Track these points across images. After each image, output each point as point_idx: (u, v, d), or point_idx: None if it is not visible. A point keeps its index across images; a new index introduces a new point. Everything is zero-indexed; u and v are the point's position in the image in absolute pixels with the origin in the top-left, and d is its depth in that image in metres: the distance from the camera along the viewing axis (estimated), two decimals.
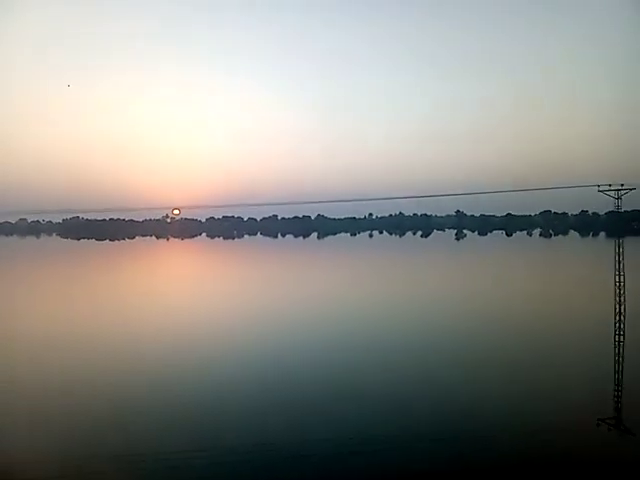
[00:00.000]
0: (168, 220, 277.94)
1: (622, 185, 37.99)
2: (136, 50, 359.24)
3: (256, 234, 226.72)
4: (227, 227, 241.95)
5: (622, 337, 30.41)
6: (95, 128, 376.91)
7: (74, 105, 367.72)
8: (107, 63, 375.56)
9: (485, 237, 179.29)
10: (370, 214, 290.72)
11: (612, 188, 38.20)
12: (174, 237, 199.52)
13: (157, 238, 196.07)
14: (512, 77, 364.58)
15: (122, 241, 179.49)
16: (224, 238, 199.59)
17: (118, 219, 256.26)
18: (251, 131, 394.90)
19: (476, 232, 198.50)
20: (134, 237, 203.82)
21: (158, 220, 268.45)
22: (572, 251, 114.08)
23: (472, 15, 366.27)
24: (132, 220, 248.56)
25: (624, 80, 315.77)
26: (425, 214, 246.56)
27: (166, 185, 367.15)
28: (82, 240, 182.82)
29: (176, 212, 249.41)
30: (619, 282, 34.80)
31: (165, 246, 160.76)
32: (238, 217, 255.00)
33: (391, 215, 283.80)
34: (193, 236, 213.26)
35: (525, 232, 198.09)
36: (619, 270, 35.56)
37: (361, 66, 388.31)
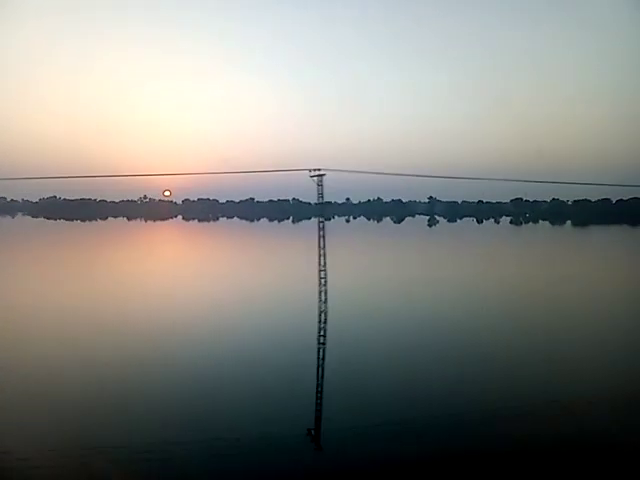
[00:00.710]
0: (146, 200, 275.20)
1: None
2: (124, 31, 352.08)
3: (233, 217, 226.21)
4: (203, 210, 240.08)
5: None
6: (80, 107, 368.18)
7: (58, 84, 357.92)
8: (94, 42, 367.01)
9: (456, 224, 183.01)
10: (347, 199, 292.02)
11: None
12: (149, 219, 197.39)
13: (129, 220, 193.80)
14: (494, 67, 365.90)
15: (93, 222, 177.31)
16: (199, 220, 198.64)
17: (90, 199, 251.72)
18: (235, 115, 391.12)
19: (448, 219, 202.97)
20: (107, 218, 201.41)
21: (134, 202, 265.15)
22: (537, 238, 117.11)
23: (470, 12, 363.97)
24: (104, 200, 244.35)
25: (608, 71, 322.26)
26: (400, 200, 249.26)
27: (145, 166, 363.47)
28: (54, 220, 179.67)
29: (167, 194, 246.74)
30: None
31: (135, 228, 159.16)
32: (214, 199, 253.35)
33: (369, 200, 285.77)
34: (168, 218, 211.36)
35: (495, 219, 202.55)
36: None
37: (342, 51, 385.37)
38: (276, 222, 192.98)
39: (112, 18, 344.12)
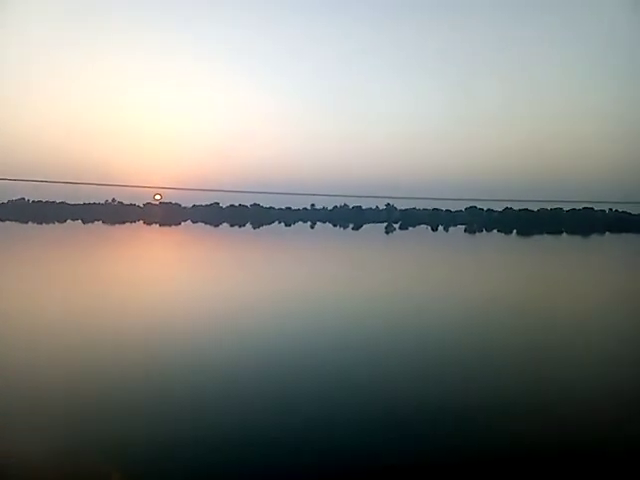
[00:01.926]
0: (114, 202, 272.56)
1: None
2: (123, 33, 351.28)
3: (197, 222, 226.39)
4: (166, 213, 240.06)
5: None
6: (72, 108, 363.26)
7: (41, 84, 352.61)
8: (93, 45, 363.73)
9: (412, 230, 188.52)
10: (312, 204, 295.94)
11: None
12: (107, 223, 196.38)
13: (84, 223, 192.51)
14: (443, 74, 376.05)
15: (53, 225, 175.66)
16: (160, 225, 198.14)
17: (54, 202, 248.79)
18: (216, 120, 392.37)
19: (405, 226, 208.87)
20: (65, 221, 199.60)
21: (100, 204, 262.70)
22: (487, 247, 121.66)
23: (470, 15, 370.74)
24: (64, 202, 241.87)
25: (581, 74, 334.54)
26: (359, 206, 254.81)
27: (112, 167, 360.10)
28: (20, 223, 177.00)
29: (157, 197, 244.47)
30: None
31: (90, 231, 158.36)
32: (176, 203, 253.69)
33: (336, 207, 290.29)
34: (129, 222, 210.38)
35: (454, 227, 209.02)
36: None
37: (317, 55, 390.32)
38: (237, 227, 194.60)
39: (108, 24, 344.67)
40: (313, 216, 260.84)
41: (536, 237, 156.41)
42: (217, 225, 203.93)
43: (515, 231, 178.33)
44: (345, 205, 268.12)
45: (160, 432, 16.09)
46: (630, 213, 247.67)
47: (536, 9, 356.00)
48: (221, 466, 14.06)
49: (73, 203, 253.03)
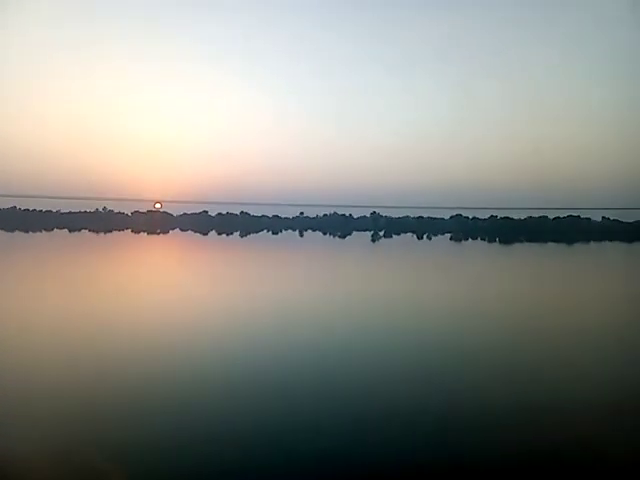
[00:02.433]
0: (102, 211, 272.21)
1: None
2: (120, 41, 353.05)
3: (186, 230, 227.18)
4: (154, 221, 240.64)
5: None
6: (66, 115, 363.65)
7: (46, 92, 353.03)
8: (90, 53, 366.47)
9: (398, 238, 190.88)
10: (301, 212, 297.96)
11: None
12: (93, 231, 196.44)
13: (70, 231, 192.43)
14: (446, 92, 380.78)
15: (38, 233, 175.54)
16: (148, 233, 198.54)
17: (40, 210, 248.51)
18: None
19: (391, 234, 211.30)
20: (52, 229, 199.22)
21: (88, 212, 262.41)
22: (471, 255, 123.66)
23: (469, 16, 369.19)
24: (50, 211, 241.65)
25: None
26: (344, 214, 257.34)
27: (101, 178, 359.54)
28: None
29: (157, 206, 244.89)
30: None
31: (76, 240, 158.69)
32: (164, 211, 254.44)
33: (326, 215, 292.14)
34: (117, 230, 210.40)
35: (440, 235, 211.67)
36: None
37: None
38: (224, 235, 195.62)
39: (104, 33, 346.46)
40: (301, 224, 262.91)
41: (519, 245, 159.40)
42: (206, 233, 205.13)
43: (498, 239, 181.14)
44: (334, 213, 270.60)
45: (158, 434, 16.47)
46: (619, 220, 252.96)
47: (536, 11, 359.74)
48: (219, 468, 14.43)
49: (60, 211, 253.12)
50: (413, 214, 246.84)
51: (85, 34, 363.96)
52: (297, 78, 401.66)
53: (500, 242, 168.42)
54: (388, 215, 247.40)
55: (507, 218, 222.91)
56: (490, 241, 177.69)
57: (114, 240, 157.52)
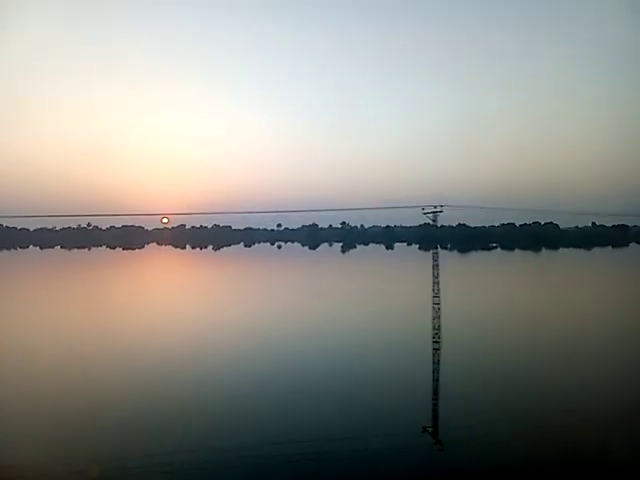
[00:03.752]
0: (77, 228, 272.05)
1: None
2: (120, 56, 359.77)
3: (163, 245, 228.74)
4: (127, 236, 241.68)
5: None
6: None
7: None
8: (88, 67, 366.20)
9: (367, 248, 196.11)
10: (279, 225, 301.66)
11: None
12: (66, 248, 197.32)
13: (41, 249, 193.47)
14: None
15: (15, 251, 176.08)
16: (123, 249, 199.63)
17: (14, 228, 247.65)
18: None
19: (361, 243, 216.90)
20: (27, 246, 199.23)
21: (61, 230, 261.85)
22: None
23: (467, 17, 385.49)
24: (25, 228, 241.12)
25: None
26: (315, 224, 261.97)
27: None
28: None
29: (165, 220, 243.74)
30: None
31: (52, 257, 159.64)
32: (139, 226, 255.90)
33: (304, 226, 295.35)
34: (92, 246, 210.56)
35: (405, 243, 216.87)
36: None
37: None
38: (198, 249, 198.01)
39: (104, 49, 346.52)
40: (274, 236, 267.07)
41: (495, 252, 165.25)
42: (183, 247, 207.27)
43: (460, 248, 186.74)
44: (303, 227, 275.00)
45: (154, 444, 17.37)
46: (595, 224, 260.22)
47: (536, 14, 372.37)
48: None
49: (33, 229, 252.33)
50: (381, 223, 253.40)
51: (85, 46, 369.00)
52: (285, 92, 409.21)
53: (459, 251, 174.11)
54: (356, 224, 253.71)
55: (464, 225, 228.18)
56: (462, 251, 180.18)
57: (85, 257, 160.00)
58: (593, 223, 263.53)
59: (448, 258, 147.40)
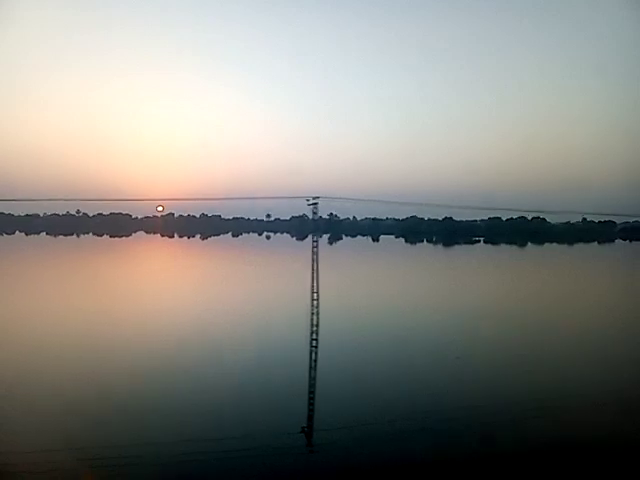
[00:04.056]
0: (64, 214, 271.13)
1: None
2: (121, 45, 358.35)
3: (153, 233, 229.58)
4: (114, 223, 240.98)
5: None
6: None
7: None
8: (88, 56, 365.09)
9: (353, 240, 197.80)
10: (268, 215, 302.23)
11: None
12: (51, 234, 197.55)
13: (27, 235, 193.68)
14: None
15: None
16: (110, 236, 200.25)
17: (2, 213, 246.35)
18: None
19: (347, 235, 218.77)
20: (14, 232, 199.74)
21: (46, 216, 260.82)
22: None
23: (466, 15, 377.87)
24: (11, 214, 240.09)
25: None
26: (305, 215, 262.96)
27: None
28: None
29: (160, 208, 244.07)
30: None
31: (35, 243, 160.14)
32: (127, 214, 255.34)
33: (293, 217, 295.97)
34: (79, 233, 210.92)
35: (396, 238, 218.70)
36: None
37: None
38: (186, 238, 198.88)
39: (105, 37, 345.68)
40: (262, 227, 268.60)
41: (462, 246, 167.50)
42: (172, 236, 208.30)
43: (444, 242, 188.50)
44: (292, 218, 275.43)
45: (152, 435, 17.23)
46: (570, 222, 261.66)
47: (533, 11, 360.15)
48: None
49: (18, 215, 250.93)
50: (368, 215, 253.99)
51: (85, 36, 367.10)
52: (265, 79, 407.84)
53: (443, 245, 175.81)
54: (344, 217, 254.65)
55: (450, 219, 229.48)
56: (446, 244, 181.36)
57: (71, 244, 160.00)
58: (584, 219, 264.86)
59: (425, 251, 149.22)
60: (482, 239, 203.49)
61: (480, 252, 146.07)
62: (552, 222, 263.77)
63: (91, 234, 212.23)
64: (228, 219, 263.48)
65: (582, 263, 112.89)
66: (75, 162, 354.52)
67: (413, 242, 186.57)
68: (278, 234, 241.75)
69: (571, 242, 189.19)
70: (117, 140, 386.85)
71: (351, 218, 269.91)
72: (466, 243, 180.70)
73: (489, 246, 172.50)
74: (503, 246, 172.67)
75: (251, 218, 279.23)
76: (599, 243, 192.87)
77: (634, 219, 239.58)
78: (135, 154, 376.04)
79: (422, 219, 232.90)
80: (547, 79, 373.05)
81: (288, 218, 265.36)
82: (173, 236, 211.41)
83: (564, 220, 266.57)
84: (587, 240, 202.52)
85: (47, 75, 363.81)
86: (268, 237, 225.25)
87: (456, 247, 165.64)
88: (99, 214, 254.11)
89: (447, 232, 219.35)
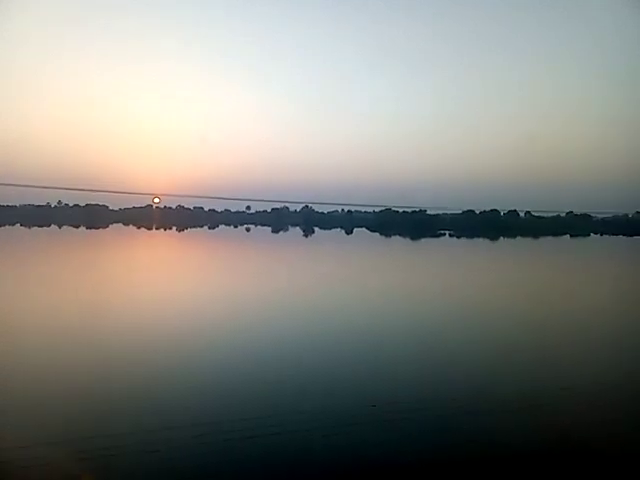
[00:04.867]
0: (38, 205, 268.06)
1: None
2: (118, 41, 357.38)
3: (128, 225, 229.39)
4: (93, 215, 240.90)
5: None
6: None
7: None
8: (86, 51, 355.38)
9: (328, 233, 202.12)
10: (248, 207, 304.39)
11: None
12: (25, 225, 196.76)
13: (0, 226, 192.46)
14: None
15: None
16: (87, 227, 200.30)
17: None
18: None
19: (322, 228, 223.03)
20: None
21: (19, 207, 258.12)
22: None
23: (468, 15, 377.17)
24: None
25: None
26: (278, 209, 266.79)
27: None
28: None
29: (157, 200, 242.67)
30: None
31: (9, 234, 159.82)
32: (103, 205, 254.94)
33: (274, 209, 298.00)
34: (42, 225, 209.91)
35: (370, 231, 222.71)
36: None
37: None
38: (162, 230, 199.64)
39: (103, 31, 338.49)
40: (239, 219, 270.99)
41: (432, 239, 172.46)
42: (150, 228, 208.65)
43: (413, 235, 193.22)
44: (273, 210, 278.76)
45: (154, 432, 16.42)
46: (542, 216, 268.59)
47: (533, 9, 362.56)
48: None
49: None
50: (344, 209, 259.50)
51: (81, 31, 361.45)
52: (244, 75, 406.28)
53: (412, 238, 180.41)
54: (320, 210, 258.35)
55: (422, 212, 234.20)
56: (414, 237, 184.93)
57: (45, 236, 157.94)
58: (559, 214, 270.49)
59: (389, 244, 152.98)
60: (448, 233, 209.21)
61: (448, 245, 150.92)
62: (524, 216, 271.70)
63: (67, 226, 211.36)
64: (206, 211, 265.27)
65: (552, 257, 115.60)
66: (54, 152, 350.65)
67: (388, 235, 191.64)
68: (259, 226, 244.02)
69: (540, 235, 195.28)
70: (98, 131, 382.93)
71: (325, 212, 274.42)
72: (435, 236, 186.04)
73: (461, 240, 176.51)
74: (475, 240, 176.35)
75: (232, 210, 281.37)
76: (571, 237, 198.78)
77: (612, 213, 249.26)
78: (115, 146, 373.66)
79: (396, 212, 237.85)
80: (524, 77, 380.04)
81: (269, 210, 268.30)
82: (151, 228, 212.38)
83: (538, 214, 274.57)
84: (559, 234, 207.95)
85: (32, 64, 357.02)
86: (248, 229, 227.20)
87: (425, 241, 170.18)
88: (75, 205, 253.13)
89: (418, 225, 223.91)
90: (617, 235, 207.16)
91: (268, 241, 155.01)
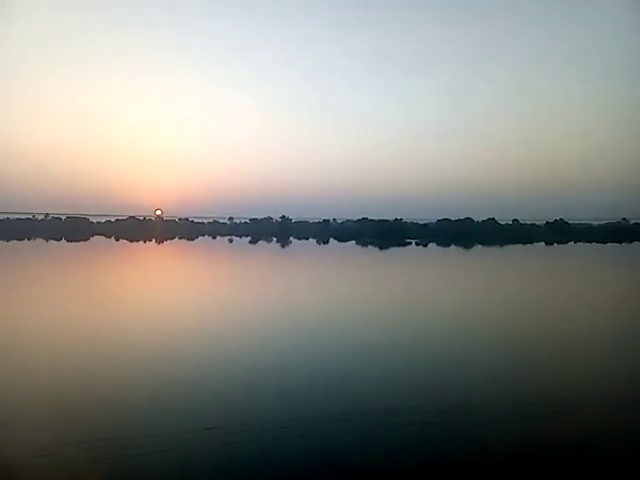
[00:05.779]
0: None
1: None
2: (113, 52, 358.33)
3: (111, 237, 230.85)
4: (73, 228, 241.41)
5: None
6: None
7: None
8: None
9: (304, 243, 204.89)
10: (230, 218, 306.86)
11: None
12: (3, 239, 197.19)
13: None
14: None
15: None
16: (67, 240, 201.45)
17: None
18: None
19: (299, 237, 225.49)
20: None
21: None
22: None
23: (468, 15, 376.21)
24: None
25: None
26: (256, 219, 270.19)
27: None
28: None
29: (158, 212, 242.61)
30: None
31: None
32: (84, 217, 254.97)
33: (254, 220, 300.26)
34: (25, 238, 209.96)
35: (344, 242, 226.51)
36: None
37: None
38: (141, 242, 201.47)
39: (103, 40, 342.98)
40: (217, 230, 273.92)
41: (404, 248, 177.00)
42: (131, 240, 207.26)
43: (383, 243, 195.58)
44: (243, 222, 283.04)
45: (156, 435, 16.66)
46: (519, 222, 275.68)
47: (533, 13, 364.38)
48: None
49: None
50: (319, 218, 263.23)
51: (80, 36, 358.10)
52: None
53: (379, 247, 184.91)
54: (297, 220, 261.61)
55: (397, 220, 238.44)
56: (383, 245, 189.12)
57: (25, 249, 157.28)
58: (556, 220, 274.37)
59: (364, 253, 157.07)
60: (415, 241, 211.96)
61: (417, 254, 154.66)
62: (502, 224, 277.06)
63: (46, 239, 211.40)
64: (185, 221, 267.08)
65: (518, 263, 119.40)
66: (42, 163, 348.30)
67: (364, 244, 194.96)
68: (243, 237, 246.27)
69: (521, 243, 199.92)
70: (84, 141, 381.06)
71: (302, 221, 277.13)
72: (398, 245, 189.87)
73: (422, 248, 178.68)
74: (452, 247, 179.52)
75: (212, 221, 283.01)
76: (546, 244, 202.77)
77: (593, 220, 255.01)
78: (101, 158, 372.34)
79: (373, 221, 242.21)
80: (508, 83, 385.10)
81: (248, 221, 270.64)
82: (133, 240, 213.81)
83: (514, 222, 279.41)
84: (534, 242, 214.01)
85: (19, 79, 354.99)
86: (230, 240, 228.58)
87: (401, 249, 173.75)
88: (56, 218, 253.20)
89: (392, 234, 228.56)
90: (591, 242, 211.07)
91: (248, 252, 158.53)
